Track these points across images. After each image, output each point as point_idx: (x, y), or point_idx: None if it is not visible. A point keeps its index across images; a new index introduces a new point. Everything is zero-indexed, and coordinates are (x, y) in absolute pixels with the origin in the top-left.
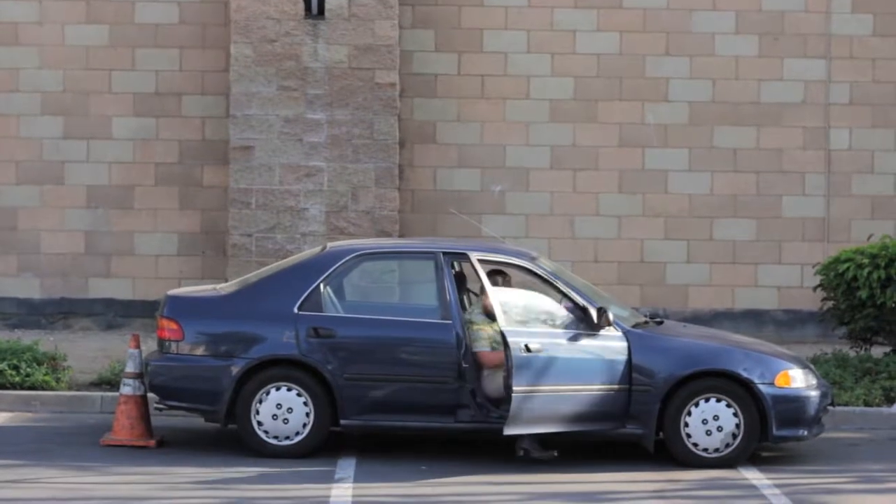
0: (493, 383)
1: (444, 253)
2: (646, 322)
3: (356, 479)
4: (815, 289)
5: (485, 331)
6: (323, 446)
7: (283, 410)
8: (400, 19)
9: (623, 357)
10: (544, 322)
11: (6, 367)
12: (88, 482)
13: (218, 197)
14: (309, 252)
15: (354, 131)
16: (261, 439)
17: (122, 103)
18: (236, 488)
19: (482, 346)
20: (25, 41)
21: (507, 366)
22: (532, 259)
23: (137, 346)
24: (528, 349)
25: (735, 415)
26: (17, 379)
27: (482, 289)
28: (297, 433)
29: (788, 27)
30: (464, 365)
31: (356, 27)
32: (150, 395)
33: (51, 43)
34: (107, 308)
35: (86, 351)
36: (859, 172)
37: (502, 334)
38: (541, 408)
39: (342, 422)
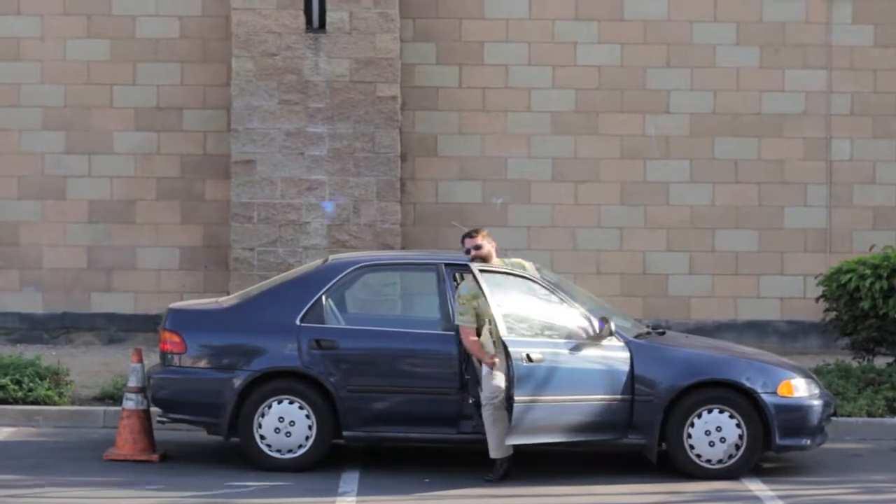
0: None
1: (446, 264)
2: (648, 332)
3: (360, 493)
4: (817, 300)
5: (468, 303)
6: (325, 459)
7: (285, 423)
8: (401, 32)
9: (625, 367)
10: (546, 332)
11: (9, 382)
12: (91, 497)
13: (219, 211)
14: (311, 264)
15: (356, 145)
16: (263, 453)
17: (123, 118)
18: (239, 503)
19: (466, 322)
20: (27, 56)
21: (509, 375)
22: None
23: (140, 361)
24: (529, 359)
25: (738, 426)
26: (19, 394)
27: (483, 299)
28: (300, 446)
29: (789, 38)
30: (466, 376)
31: (357, 41)
32: (153, 409)
33: (52, 58)
34: (109, 322)
35: (88, 365)
36: (861, 183)
37: (504, 344)
38: (542, 418)
39: (345, 433)
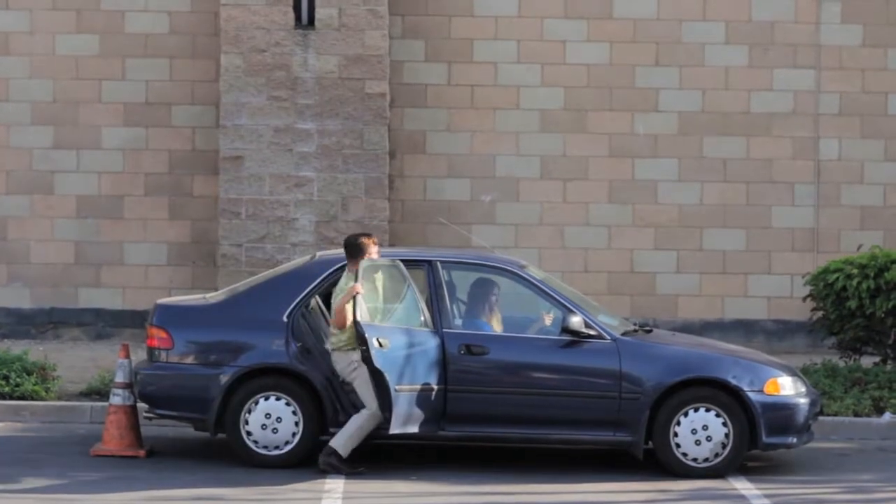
0: None
1: (433, 261)
2: (635, 330)
3: (346, 490)
4: (804, 299)
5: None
6: (312, 456)
7: (272, 420)
8: (390, 29)
9: (612, 365)
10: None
11: None
12: (78, 493)
13: (208, 207)
14: (298, 261)
15: (344, 141)
16: (250, 449)
17: (111, 113)
18: (226, 499)
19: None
20: (16, 51)
21: None
22: (521, 267)
23: (127, 356)
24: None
25: (724, 424)
26: (6, 389)
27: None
28: (287, 443)
29: (778, 37)
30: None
31: (346, 37)
32: (140, 404)
33: (41, 52)
34: (96, 318)
35: (75, 361)
36: (849, 183)
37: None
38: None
39: (331, 430)
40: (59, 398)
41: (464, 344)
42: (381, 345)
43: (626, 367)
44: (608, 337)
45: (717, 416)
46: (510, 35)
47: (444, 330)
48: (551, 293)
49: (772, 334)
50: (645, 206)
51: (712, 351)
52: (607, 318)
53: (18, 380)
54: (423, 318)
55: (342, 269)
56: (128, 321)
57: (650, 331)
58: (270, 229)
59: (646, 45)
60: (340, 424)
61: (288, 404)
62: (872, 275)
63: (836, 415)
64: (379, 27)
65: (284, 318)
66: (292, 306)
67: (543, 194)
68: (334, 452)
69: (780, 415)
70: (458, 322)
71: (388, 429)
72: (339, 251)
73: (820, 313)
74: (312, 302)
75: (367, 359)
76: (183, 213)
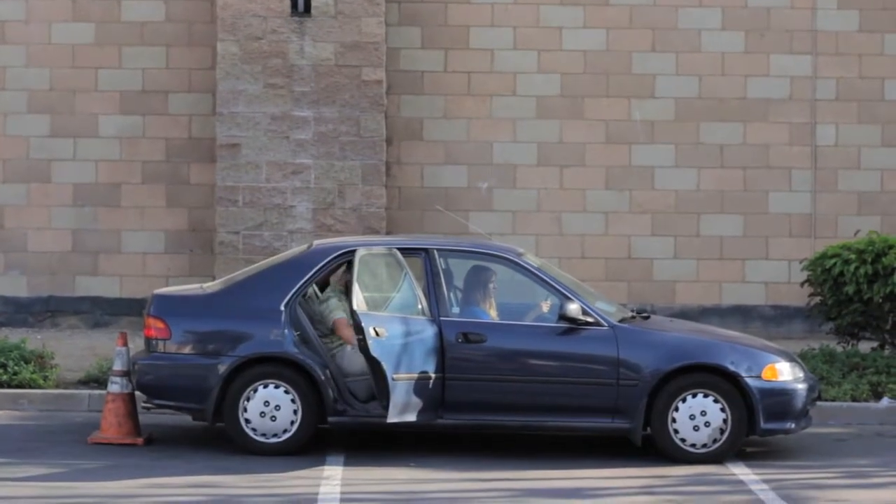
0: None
1: (430, 249)
2: (633, 317)
3: (344, 476)
4: (802, 284)
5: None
6: (311, 444)
7: (270, 408)
8: (386, 16)
9: (610, 352)
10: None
11: None
12: (76, 481)
13: (205, 194)
14: (295, 250)
15: (341, 128)
16: (249, 437)
17: (108, 101)
18: (224, 486)
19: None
20: (12, 39)
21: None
22: (518, 254)
23: (125, 344)
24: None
25: (722, 410)
26: (4, 377)
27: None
28: (285, 430)
29: (774, 23)
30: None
31: (342, 24)
32: (138, 393)
33: (37, 41)
34: (94, 306)
35: (73, 349)
36: (845, 168)
37: None
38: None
39: (329, 419)
40: (57, 386)
41: (461, 332)
42: (377, 334)
43: (623, 353)
44: (605, 324)
45: (716, 401)
46: (507, 22)
47: (442, 318)
48: (548, 280)
49: (769, 320)
50: (642, 192)
51: (710, 337)
52: (605, 305)
53: (16, 368)
54: (420, 307)
55: (339, 257)
56: (125, 309)
57: (648, 317)
58: (268, 217)
59: (642, 32)
60: (339, 412)
61: (287, 392)
62: (870, 260)
63: (834, 400)
64: (375, 14)
65: (282, 307)
66: (290, 295)
67: (540, 181)
68: None
69: (779, 400)
70: (456, 310)
71: (386, 417)
72: (336, 239)
73: (818, 299)
74: (310, 290)
75: (363, 348)
76: (180, 201)
